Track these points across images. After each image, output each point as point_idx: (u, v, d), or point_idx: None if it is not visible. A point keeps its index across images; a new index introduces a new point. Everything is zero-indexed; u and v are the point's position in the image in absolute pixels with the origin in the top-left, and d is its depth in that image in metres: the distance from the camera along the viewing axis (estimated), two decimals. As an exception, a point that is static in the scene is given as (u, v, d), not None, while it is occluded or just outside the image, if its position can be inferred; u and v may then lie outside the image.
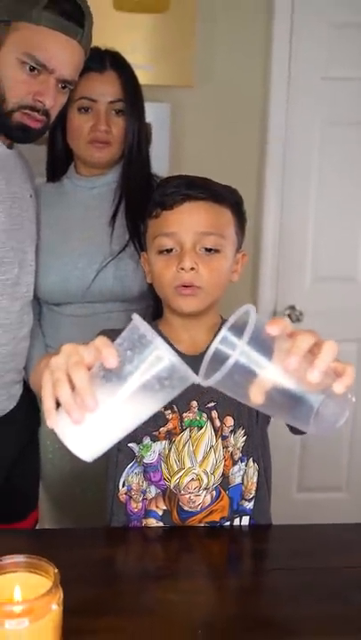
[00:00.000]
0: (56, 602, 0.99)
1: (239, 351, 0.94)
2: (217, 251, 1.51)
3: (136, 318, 0.99)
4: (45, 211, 2.05)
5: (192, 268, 1.47)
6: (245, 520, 1.60)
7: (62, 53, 1.68)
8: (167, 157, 2.90)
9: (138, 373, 0.96)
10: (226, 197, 1.53)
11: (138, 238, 1.88)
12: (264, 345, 0.96)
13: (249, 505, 1.60)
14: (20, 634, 0.95)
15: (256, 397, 0.96)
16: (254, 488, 1.60)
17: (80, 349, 0.98)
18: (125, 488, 1.59)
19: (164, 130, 2.88)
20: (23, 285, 1.88)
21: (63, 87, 1.73)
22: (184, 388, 1.00)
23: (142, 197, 1.71)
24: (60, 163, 2.13)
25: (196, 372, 1.03)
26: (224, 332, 1.01)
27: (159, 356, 0.96)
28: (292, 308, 3.19)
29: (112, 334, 1.01)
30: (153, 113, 2.65)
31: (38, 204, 2.01)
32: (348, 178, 3.14)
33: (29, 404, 2.08)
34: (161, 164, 2.74)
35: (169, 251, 1.51)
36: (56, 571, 1.02)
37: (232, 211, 1.54)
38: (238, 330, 0.97)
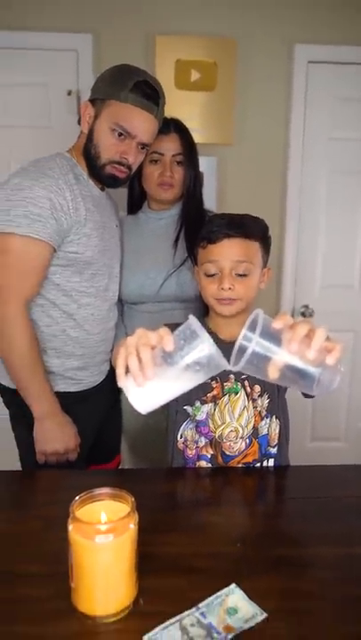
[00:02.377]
0: (133, 522, 0.99)
1: (254, 343, 0.98)
2: (246, 275, 1.51)
3: (191, 318, 1.02)
4: (126, 236, 2.05)
5: (229, 288, 1.49)
6: (271, 462, 1.59)
7: (142, 124, 1.71)
8: (215, 197, 2.90)
9: (187, 358, 1.00)
10: (255, 233, 1.52)
11: (193, 256, 1.84)
12: (274, 336, 0.99)
13: (273, 450, 1.59)
14: (106, 546, 0.95)
15: (273, 374, 0.99)
16: (277, 438, 1.59)
17: (148, 334, 1.03)
18: (182, 439, 1.58)
19: (212, 177, 2.88)
20: (110, 291, 1.90)
21: (142, 148, 1.77)
22: (219, 372, 1.03)
23: (197, 226, 1.69)
24: (136, 200, 2.13)
25: (230, 356, 1.07)
26: (244, 330, 1.02)
27: (202, 348, 1.00)
28: (306, 306, 3.15)
29: (172, 327, 1.04)
30: (204, 164, 2.59)
31: (121, 232, 2.02)
32: (349, 211, 3.08)
33: (114, 378, 2.04)
34: (211, 201, 2.75)
35: (213, 275, 1.52)
36: (133, 499, 1.01)
37: (260, 242, 1.54)
38: (255, 327, 0.99)
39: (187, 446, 1.59)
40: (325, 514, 1.31)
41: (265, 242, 1.56)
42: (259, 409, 1.56)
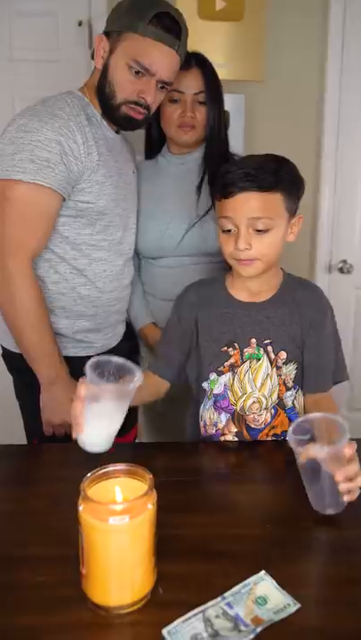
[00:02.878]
0: (151, 502, 0.97)
1: (324, 452, 1.13)
2: (267, 230, 1.43)
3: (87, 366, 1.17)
4: (144, 183, 2.02)
5: (246, 248, 1.43)
6: None
7: (162, 60, 1.65)
8: (242, 139, 2.84)
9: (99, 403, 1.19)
10: (276, 183, 1.43)
11: None
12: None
13: None
14: (121, 528, 0.93)
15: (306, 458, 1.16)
16: (303, 412, 1.56)
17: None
18: (202, 422, 1.59)
19: (240, 116, 2.82)
20: (126, 245, 1.87)
21: (162, 87, 1.71)
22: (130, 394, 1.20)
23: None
24: (155, 144, 2.10)
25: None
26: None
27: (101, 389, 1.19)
28: (344, 261, 3.07)
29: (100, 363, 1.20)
30: (231, 102, 2.61)
31: (138, 178, 1.99)
32: None
33: (130, 340, 2.08)
34: (238, 145, 2.68)
35: (228, 230, 1.45)
36: (151, 476, 1.00)
37: (283, 192, 1.44)
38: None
39: (206, 430, 1.58)
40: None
41: (291, 190, 1.48)
42: (283, 377, 1.53)
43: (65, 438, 1.71)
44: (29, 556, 1.08)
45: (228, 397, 1.53)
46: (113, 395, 1.18)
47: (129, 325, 2.08)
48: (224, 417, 1.54)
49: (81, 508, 0.95)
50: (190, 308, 1.61)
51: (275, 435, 1.55)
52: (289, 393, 1.54)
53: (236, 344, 1.53)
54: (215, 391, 1.54)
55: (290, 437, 1.14)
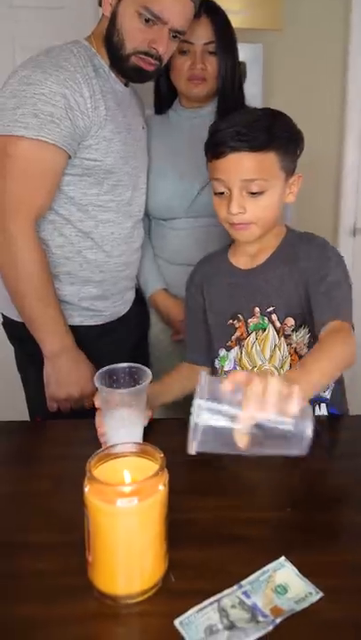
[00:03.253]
0: (162, 483, 0.96)
1: (204, 415, 0.94)
2: (262, 192, 1.42)
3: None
4: (154, 139, 2.00)
5: (240, 212, 1.42)
6: (324, 408, 1.55)
7: (175, 7, 1.61)
8: (260, 92, 2.80)
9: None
10: (269, 141, 1.41)
11: None
12: (232, 400, 0.95)
13: (325, 394, 1.54)
14: (130, 511, 0.92)
15: (241, 444, 0.96)
16: None
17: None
18: None
19: (257, 67, 2.77)
20: (135, 205, 1.85)
21: (174, 36, 1.67)
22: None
23: None
24: (165, 98, 2.08)
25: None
26: (196, 401, 0.96)
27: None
28: (370, 222, 3.04)
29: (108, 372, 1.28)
30: (248, 53, 2.57)
31: (148, 134, 1.97)
32: None
33: (141, 308, 2.08)
34: (255, 98, 2.64)
35: (221, 193, 1.45)
36: (162, 455, 0.99)
37: (277, 151, 1.42)
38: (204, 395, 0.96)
39: None
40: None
41: (287, 147, 1.46)
42: (294, 346, 1.50)
43: (70, 414, 1.71)
44: (31, 542, 1.08)
45: None
46: (126, 399, 1.24)
47: (138, 292, 2.08)
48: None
49: (87, 490, 0.94)
50: (197, 286, 1.64)
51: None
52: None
53: (240, 315, 1.53)
54: (226, 368, 1.54)
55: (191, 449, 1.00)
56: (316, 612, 0.92)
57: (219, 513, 1.15)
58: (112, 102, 1.68)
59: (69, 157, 1.61)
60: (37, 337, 1.67)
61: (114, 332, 1.89)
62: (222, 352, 1.54)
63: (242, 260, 1.57)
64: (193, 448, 0.96)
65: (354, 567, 1.02)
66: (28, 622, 0.91)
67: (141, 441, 1.23)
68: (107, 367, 1.28)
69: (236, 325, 1.53)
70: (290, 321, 1.49)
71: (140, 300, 2.09)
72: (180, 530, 1.03)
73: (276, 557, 1.02)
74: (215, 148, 1.41)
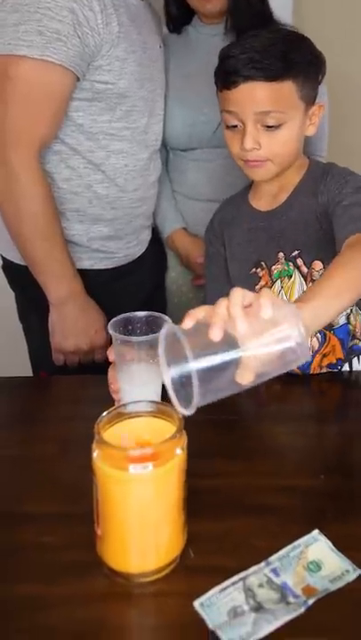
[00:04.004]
0: (180, 447, 0.95)
1: (192, 362, 0.88)
2: (278, 126, 1.40)
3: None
4: (172, 60, 1.98)
5: (254, 147, 1.41)
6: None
7: None
8: (291, 4, 2.64)
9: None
10: (286, 70, 1.37)
11: None
12: (209, 343, 0.89)
13: None
14: (144, 478, 0.92)
15: (244, 379, 0.90)
16: None
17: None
18: None
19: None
20: (152, 134, 1.84)
21: None
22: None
23: None
24: (176, 16, 2.03)
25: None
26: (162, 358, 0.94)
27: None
28: None
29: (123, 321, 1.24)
30: None
31: (166, 55, 1.95)
32: None
33: (157, 249, 2.08)
34: (285, 11, 2.45)
35: (234, 126, 1.43)
36: (180, 416, 0.97)
37: (295, 79, 1.40)
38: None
39: None
40: None
41: (307, 74, 1.43)
42: None
43: (79, 369, 1.72)
44: (33, 513, 1.08)
45: None
46: (143, 349, 1.21)
47: (155, 232, 2.08)
48: None
49: (95, 455, 0.93)
50: (216, 234, 1.65)
51: (329, 365, 1.53)
52: None
53: (263, 263, 1.53)
54: None
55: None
56: (353, 591, 0.91)
57: (243, 480, 1.14)
58: (125, 17, 1.65)
59: (78, 80, 1.59)
60: (41, 281, 1.67)
61: (127, 276, 1.89)
62: None
63: (262, 201, 1.56)
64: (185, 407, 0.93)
65: None
66: (28, 602, 0.91)
67: (159, 399, 1.22)
68: (122, 315, 1.27)
69: (260, 274, 1.53)
70: (318, 264, 1.48)
71: (157, 241, 2.09)
72: (199, 499, 1.03)
73: (309, 530, 1.01)
74: (226, 77, 1.39)
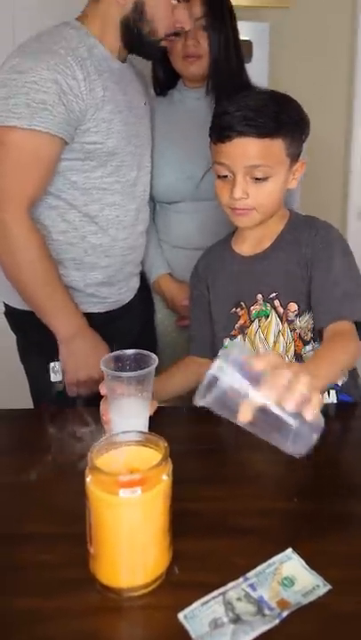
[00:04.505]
0: (166, 473, 0.96)
1: (229, 377, 0.97)
2: (266, 178, 1.42)
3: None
4: (158, 120, 1.99)
5: (242, 197, 1.42)
6: (333, 395, 1.54)
7: None
8: (266, 73, 2.76)
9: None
10: (277, 127, 1.40)
11: None
12: (251, 375, 0.98)
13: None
14: (133, 502, 0.92)
15: (244, 417, 0.96)
16: None
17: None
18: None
19: (263, 47, 2.72)
20: (140, 186, 1.85)
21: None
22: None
23: None
24: (163, 80, 2.06)
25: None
26: (218, 361, 0.99)
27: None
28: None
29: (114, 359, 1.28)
30: (254, 31, 2.54)
31: (152, 115, 1.97)
32: None
33: (145, 295, 2.09)
34: (261, 79, 2.59)
35: (225, 176, 1.44)
36: (166, 445, 0.99)
37: (284, 137, 1.42)
38: (234, 360, 0.99)
39: None
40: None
41: (294, 134, 1.45)
42: (299, 331, 1.50)
43: (74, 401, 1.71)
44: (32, 533, 1.08)
45: None
46: (132, 384, 1.25)
47: (143, 279, 2.08)
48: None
49: (88, 480, 0.94)
50: (201, 278, 1.66)
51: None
52: (308, 347, 1.51)
53: (242, 303, 1.54)
54: None
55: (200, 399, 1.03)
56: (323, 605, 0.92)
57: (224, 503, 1.15)
58: (110, 81, 1.67)
59: (66, 143, 1.61)
60: (49, 323, 1.67)
61: (118, 320, 1.89)
62: (226, 341, 1.55)
63: (245, 246, 1.57)
64: (201, 399, 1.00)
65: (357, 557, 1.02)
66: (27, 616, 0.91)
67: (146, 430, 1.23)
68: (113, 353, 1.29)
69: (239, 313, 1.54)
70: (293, 306, 1.50)
71: (145, 287, 2.09)
72: (184, 521, 1.03)
73: (283, 549, 1.02)
74: (221, 132, 1.40)
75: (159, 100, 2.06)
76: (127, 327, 1.94)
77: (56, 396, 1.74)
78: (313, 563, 0.99)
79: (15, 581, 0.97)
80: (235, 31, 1.93)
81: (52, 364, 1.74)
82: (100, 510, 0.93)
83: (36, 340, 1.73)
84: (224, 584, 0.94)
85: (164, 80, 2.05)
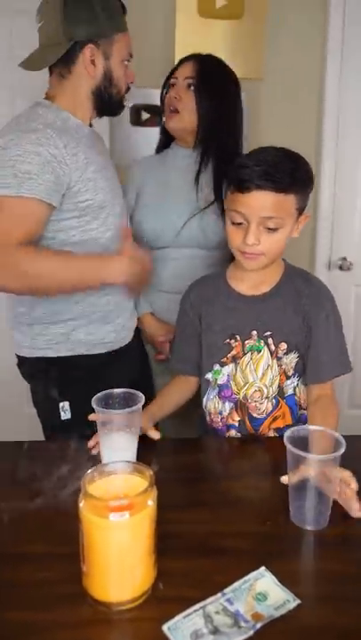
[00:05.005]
0: (151, 499, 0.98)
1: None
2: (276, 229, 1.44)
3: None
4: (149, 174, 2.07)
5: (255, 243, 1.44)
6: None
7: (129, 42, 1.77)
8: (246, 134, 2.78)
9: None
10: (291, 185, 1.43)
11: (220, 199, 1.88)
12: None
13: (306, 413, 1.57)
14: (121, 525, 0.93)
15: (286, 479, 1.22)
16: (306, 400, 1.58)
17: None
18: (207, 412, 1.62)
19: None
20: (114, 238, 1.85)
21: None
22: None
23: (225, 167, 1.73)
24: (164, 141, 2.14)
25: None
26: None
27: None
28: (344, 259, 3.07)
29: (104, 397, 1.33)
30: None
31: (144, 170, 2.09)
32: None
33: (138, 337, 2.08)
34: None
35: (239, 223, 1.45)
36: (151, 473, 1.00)
37: (296, 193, 1.44)
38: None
39: (212, 419, 1.60)
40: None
41: (304, 189, 1.48)
42: (284, 367, 1.55)
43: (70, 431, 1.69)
44: (30, 554, 1.08)
45: (231, 387, 1.56)
46: (121, 420, 1.29)
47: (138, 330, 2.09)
48: (228, 406, 1.57)
49: (81, 505, 0.95)
50: (193, 305, 1.65)
51: (277, 428, 1.56)
52: (289, 381, 1.56)
53: (237, 336, 1.55)
54: (219, 381, 1.57)
55: (288, 447, 1.15)
56: (293, 617, 0.94)
57: (204, 526, 1.16)
58: (86, 146, 1.71)
59: (54, 207, 1.61)
60: (96, 283, 1.70)
61: (118, 361, 1.88)
62: (216, 367, 1.57)
63: (244, 286, 1.58)
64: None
65: (328, 576, 1.04)
66: (24, 627, 0.92)
67: (134, 460, 1.26)
68: (103, 392, 1.32)
69: (233, 345, 1.55)
70: (283, 345, 1.54)
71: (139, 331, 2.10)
72: (168, 542, 1.04)
73: (257, 567, 1.03)
74: (241, 184, 1.41)
75: (154, 157, 2.12)
76: (125, 368, 1.90)
77: (64, 431, 1.73)
78: (284, 580, 1.00)
79: (17, 596, 0.98)
80: (229, 98, 1.98)
81: (61, 404, 1.75)
82: (92, 532, 0.94)
83: (45, 384, 1.72)
84: (204, 599, 0.96)
85: (164, 140, 2.11)
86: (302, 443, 1.16)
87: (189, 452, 1.48)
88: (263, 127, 2.90)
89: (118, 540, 0.94)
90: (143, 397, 1.31)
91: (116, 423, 1.28)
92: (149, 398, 2.09)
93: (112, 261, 1.70)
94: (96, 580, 0.96)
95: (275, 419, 1.57)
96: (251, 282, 1.57)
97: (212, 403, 1.59)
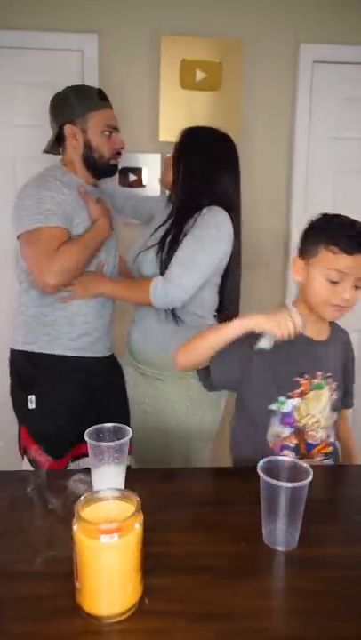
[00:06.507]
0: (138, 522, 0.99)
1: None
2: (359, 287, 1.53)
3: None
4: (160, 206, 2.33)
5: (349, 299, 1.51)
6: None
7: (112, 114, 2.09)
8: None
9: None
10: None
11: (162, 245, 2.03)
12: None
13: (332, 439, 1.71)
14: (111, 546, 0.95)
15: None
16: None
17: None
18: (271, 437, 1.62)
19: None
20: (110, 264, 2.17)
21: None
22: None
23: (183, 217, 2.01)
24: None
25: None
26: None
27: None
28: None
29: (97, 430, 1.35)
30: None
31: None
32: (356, 211, 2.92)
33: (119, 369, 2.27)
34: None
35: (335, 282, 1.50)
36: (138, 499, 1.02)
37: None
38: None
39: (274, 443, 1.63)
40: (330, 514, 1.33)
41: None
42: (332, 402, 1.65)
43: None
44: (29, 571, 1.09)
45: (294, 416, 1.60)
46: (111, 451, 1.31)
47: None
48: (287, 430, 1.61)
49: (75, 528, 0.96)
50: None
51: (325, 453, 1.66)
52: (335, 414, 1.68)
53: (306, 375, 1.60)
54: (283, 409, 1.60)
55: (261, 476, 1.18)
56: (265, 631, 0.96)
57: (186, 547, 1.17)
58: (74, 190, 2.01)
59: (69, 231, 1.94)
60: (98, 243, 2.01)
61: (87, 369, 2.08)
62: (282, 398, 1.59)
63: (310, 331, 1.61)
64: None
65: (297, 592, 1.06)
66: (25, 639, 0.93)
67: (123, 488, 1.27)
68: (94, 426, 1.35)
69: (301, 382, 1.59)
70: (334, 384, 1.65)
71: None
72: (153, 561, 1.06)
73: (234, 583, 1.06)
74: (349, 249, 1.47)
75: (164, 203, 2.29)
76: (100, 381, 2.11)
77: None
78: (257, 595, 1.03)
79: (16, 610, 0.99)
80: (202, 169, 2.05)
81: (29, 396, 1.95)
82: (85, 552, 0.96)
83: (20, 377, 1.99)
84: (186, 612, 0.98)
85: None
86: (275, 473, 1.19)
87: (174, 480, 1.49)
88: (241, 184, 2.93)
89: (108, 559, 0.96)
90: (131, 432, 1.34)
91: (106, 454, 1.30)
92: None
93: (96, 225, 1.98)
94: (88, 596, 0.97)
95: (325, 445, 1.65)
96: (314, 329, 1.62)
97: (273, 428, 1.61)
